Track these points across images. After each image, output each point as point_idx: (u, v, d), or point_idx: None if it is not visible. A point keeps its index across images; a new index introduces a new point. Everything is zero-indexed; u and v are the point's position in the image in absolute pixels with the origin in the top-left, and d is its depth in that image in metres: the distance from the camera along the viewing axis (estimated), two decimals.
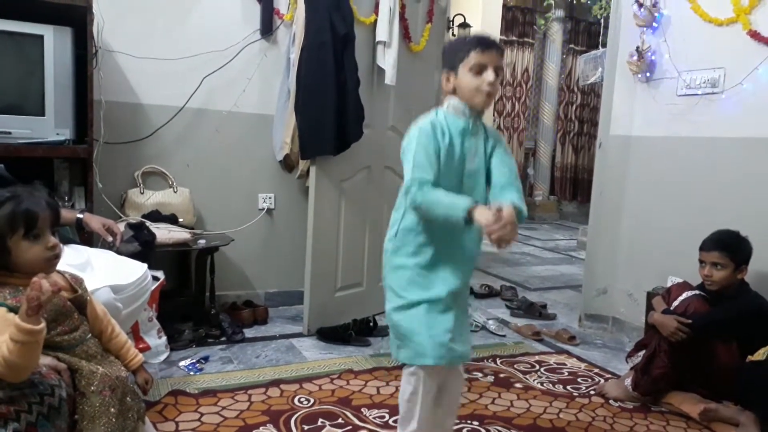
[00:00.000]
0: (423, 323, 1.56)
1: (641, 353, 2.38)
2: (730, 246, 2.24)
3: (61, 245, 1.49)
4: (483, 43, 1.55)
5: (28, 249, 1.40)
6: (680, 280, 2.60)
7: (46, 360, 1.40)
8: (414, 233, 1.60)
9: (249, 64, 3.11)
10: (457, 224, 1.46)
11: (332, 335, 2.85)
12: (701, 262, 2.30)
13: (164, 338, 2.53)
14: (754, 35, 2.56)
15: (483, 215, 1.40)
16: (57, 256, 1.45)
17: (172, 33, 2.94)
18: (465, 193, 1.56)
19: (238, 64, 3.07)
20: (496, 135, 1.68)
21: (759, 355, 2.10)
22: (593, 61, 5.91)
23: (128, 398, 1.54)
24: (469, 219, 1.42)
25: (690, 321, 2.19)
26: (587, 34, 8.50)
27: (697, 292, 2.29)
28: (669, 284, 2.58)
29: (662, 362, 2.24)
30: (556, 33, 8.16)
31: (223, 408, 2.08)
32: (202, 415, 2.02)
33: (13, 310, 1.37)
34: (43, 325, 1.29)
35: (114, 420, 1.48)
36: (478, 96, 1.56)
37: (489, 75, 1.53)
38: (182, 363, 2.45)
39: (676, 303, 2.31)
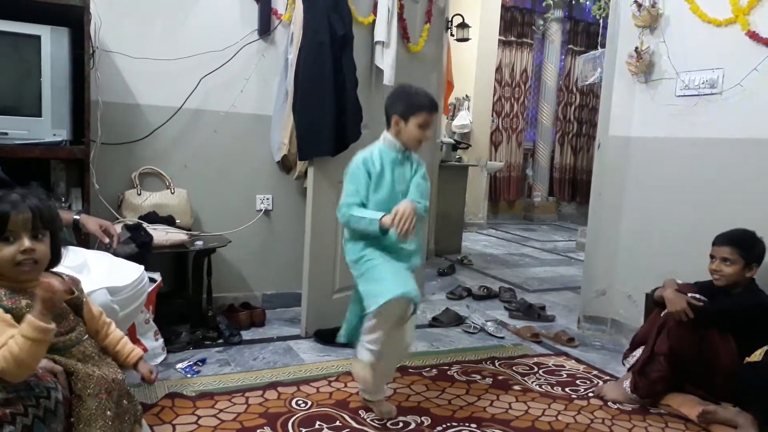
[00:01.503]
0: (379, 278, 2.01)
1: (637, 352, 2.38)
2: (742, 243, 2.25)
3: (43, 250, 1.43)
4: (433, 108, 2.05)
5: None
6: (679, 281, 2.60)
7: (42, 362, 1.39)
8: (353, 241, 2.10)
9: (247, 64, 3.10)
10: (375, 232, 1.95)
11: (330, 337, 2.83)
12: (711, 256, 2.31)
13: (161, 340, 2.52)
14: (753, 36, 2.55)
15: (387, 219, 1.90)
16: (35, 261, 1.40)
17: (169, 33, 2.93)
18: (393, 202, 1.98)
19: (235, 65, 3.06)
20: (418, 164, 2.12)
21: (756, 356, 2.10)
22: (592, 62, 5.90)
23: (124, 401, 1.54)
24: (382, 226, 1.91)
25: (701, 304, 2.20)
26: (586, 34, 8.50)
27: (698, 295, 2.29)
28: None
29: (660, 365, 2.23)
30: (555, 33, 8.15)
31: (220, 411, 2.07)
32: (199, 417, 2.01)
33: (9, 311, 1.36)
34: (54, 324, 1.30)
35: (110, 423, 1.47)
36: (415, 144, 2.07)
37: (429, 133, 2.06)
38: (179, 365, 2.44)
39: None
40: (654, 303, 2.41)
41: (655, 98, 2.97)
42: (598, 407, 2.29)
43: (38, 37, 2.30)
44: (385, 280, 1.96)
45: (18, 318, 1.35)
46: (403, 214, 1.86)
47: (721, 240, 2.30)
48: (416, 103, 2.02)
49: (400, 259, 2.05)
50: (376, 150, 2.08)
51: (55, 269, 1.54)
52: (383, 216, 1.92)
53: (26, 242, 1.39)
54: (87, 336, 1.56)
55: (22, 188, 1.50)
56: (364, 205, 2.01)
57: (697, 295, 2.28)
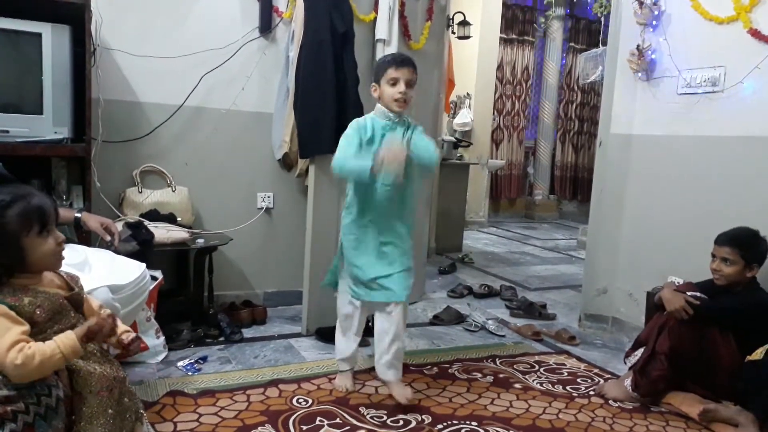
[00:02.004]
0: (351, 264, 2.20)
1: (639, 351, 2.38)
2: (743, 243, 2.25)
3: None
4: (397, 61, 2.09)
5: (42, 245, 1.42)
6: (680, 280, 2.60)
7: None
8: (351, 205, 2.20)
9: (248, 62, 3.10)
10: (366, 176, 1.97)
11: (331, 335, 2.82)
12: (713, 255, 2.31)
13: (162, 338, 2.52)
14: (755, 33, 2.55)
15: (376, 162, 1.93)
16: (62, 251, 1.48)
17: (170, 31, 2.93)
18: (367, 199, 2.15)
19: (236, 63, 3.06)
20: (414, 126, 2.17)
21: (757, 354, 2.10)
22: (593, 60, 5.90)
23: (126, 399, 1.54)
24: (372, 170, 1.95)
25: (698, 303, 2.20)
26: (587, 32, 8.48)
27: (698, 294, 2.29)
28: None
29: (661, 364, 2.23)
30: (557, 31, 8.14)
31: (222, 408, 2.07)
32: (200, 415, 2.01)
33: (11, 308, 1.36)
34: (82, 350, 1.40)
35: (111, 421, 1.47)
36: (393, 103, 2.10)
37: (400, 86, 2.07)
38: (180, 363, 2.45)
39: None
40: (655, 306, 2.41)
41: (657, 96, 2.97)
42: (599, 406, 2.29)
43: (39, 35, 2.30)
44: (349, 267, 2.19)
45: (20, 316, 1.36)
46: (390, 151, 1.91)
47: (722, 240, 2.30)
48: (382, 64, 2.12)
49: (386, 233, 2.16)
50: (368, 118, 2.17)
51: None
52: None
53: (59, 234, 1.47)
54: None
55: (21, 186, 1.53)
56: None
57: (697, 294, 2.28)
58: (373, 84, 2.15)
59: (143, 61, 2.85)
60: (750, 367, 2.09)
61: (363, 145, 2.09)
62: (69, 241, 2.10)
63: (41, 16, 2.30)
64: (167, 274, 2.74)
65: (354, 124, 2.14)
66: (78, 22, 2.38)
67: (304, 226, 2.91)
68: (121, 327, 1.60)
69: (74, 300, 1.54)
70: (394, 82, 2.07)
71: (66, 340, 1.36)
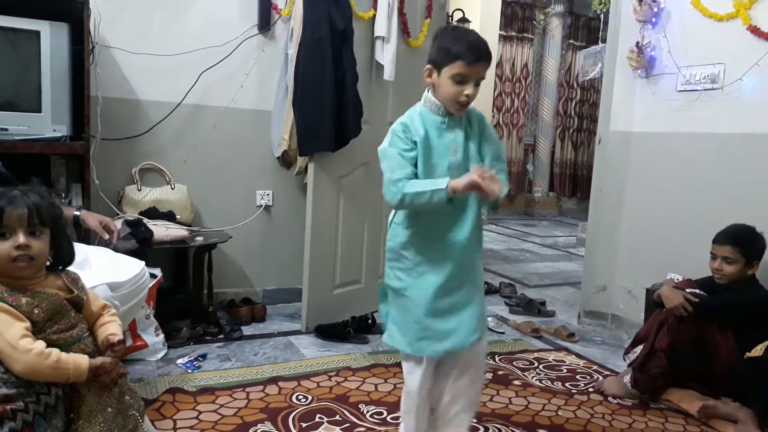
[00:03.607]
0: (408, 311, 1.62)
1: (638, 348, 2.38)
2: (743, 241, 2.25)
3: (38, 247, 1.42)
4: (473, 55, 1.51)
5: None
6: (679, 277, 2.60)
7: None
8: (402, 226, 1.66)
9: (246, 59, 3.10)
10: (441, 204, 1.49)
11: (330, 332, 2.85)
12: (712, 254, 2.31)
13: (162, 336, 2.52)
14: (754, 30, 2.55)
15: (458, 183, 1.46)
16: (30, 258, 1.40)
17: (169, 28, 2.92)
18: (437, 221, 1.61)
19: (235, 60, 3.06)
20: (480, 120, 1.67)
21: (756, 351, 2.10)
22: (593, 57, 5.89)
23: (126, 397, 1.53)
24: (451, 193, 1.47)
25: (697, 300, 2.20)
26: (587, 29, 8.48)
27: (698, 291, 2.29)
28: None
29: (660, 361, 2.23)
30: (556, 28, 8.13)
31: (221, 406, 2.07)
32: (200, 413, 2.01)
33: (11, 307, 1.37)
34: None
35: (111, 418, 1.47)
36: (453, 105, 1.57)
37: (469, 88, 1.53)
38: (180, 361, 2.45)
39: None
40: (654, 304, 2.41)
41: (656, 93, 2.96)
42: (598, 402, 2.29)
43: (37, 33, 2.29)
44: (407, 320, 1.61)
45: None
46: (485, 170, 1.44)
47: (721, 239, 2.29)
48: (452, 49, 1.52)
49: (449, 253, 1.61)
50: (416, 113, 1.63)
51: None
52: (450, 181, 1.47)
53: (21, 238, 1.38)
54: (88, 333, 1.56)
55: (25, 185, 1.50)
56: (416, 177, 1.57)
57: (696, 291, 2.28)
58: (428, 66, 1.60)
59: (142, 58, 2.85)
60: (749, 363, 2.09)
61: (419, 147, 1.58)
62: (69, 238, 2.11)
63: (40, 14, 2.30)
64: (166, 271, 2.74)
65: (399, 128, 1.60)
66: (76, 19, 2.38)
67: (304, 224, 2.91)
68: (105, 332, 1.57)
69: (74, 301, 1.53)
70: (461, 80, 1.52)
71: (80, 361, 1.38)
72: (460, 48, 1.51)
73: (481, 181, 1.41)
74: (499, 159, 1.65)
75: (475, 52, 1.51)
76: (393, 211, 1.70)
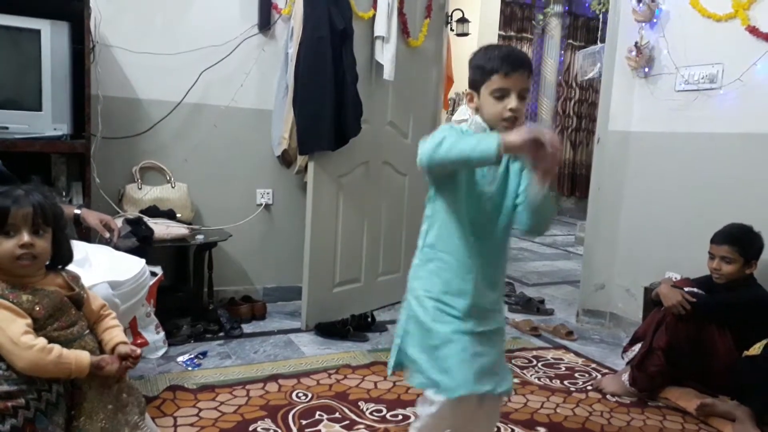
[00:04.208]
0: (449, 347, 1.40)
1: (637, 347, 2.39)
2: (740, 241, 2.25)
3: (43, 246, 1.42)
4: (509, 65, 1.38)
5: None
6: (678, 276, 2.61)
7: None
8: (437, 249, 1.48)
9: (247, 58, 3.10)
10: (486, 158, 1.24)
11: (330, 331, 2.85)
12: (711, 254, 2.31)
13: (162, 334, 2.53)
14: (753, 31, 2.56)
15: (516, 134, 1.21)
16: (33, 257, 1.40)
17: (169, 28, 2.93)
18: (484, 218, 1.44)
19: (235, 59, 3.06)
20: (523, 165, 1.48)
21: (754, 349, 2.11)
22: (592, 57, 5.90)
23: (124, 394, 1.54)
24: (504, 148, 1.22)
25: (695, 299, 2.21)
26: (586, 29, 8.48)
27: (696, 290, 2.30)
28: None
29: (658, 360, 2.24)
30: (555, 28, 8.14)
31: (222, 403, 2.08)
32: (200, 410, 2.02)
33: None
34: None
35: (112, 415, 1.48)
36: (499, 124, 1.41)
37: (511, 102, 1.38)
38: (180, 358, 2.46)
39: None
40: (652, 302, 2.42)
41: (655, 93, 2.97)
42: (596, 400, 2.30)
43: (38, 32, 2.30)
44: (450, 361, 1.39)
45: None
46: (554, 140, 1.21)
47: (719, 239, 2.30)
48: (483, 65, 1.41)
49: (482, 282, 1.45)
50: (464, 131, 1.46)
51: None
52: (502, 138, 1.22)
53: (25, 237, 1.39)
54: (88, 331, 1.57)
55: (26, 184, 1.51)
56: None
57: (695, 289, 2.29)
58: (468, 91, 1.49)
59: (142, 57, 2.85)
60: (747, 362, 2.10)
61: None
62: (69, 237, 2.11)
63: (40, 13, 2.30)
64: (167, 270, 2.75)
65: (457, 127, 1.45)
66: (77, 18, 2.38)
67: (304, 223, 2.92)
68: (112, 338, 1.57)
69: (75, 299, 1.54)
70: (501, 95, 1.39)
71: (82, 357, 1.39)
72: (494, 62, 1.40)
73: (548, 139, 1.19)
74: None
75: (510, 62, 1.39)
76: (422, 238, 1.52)
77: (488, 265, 1.47)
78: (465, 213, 1.43)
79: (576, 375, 2.54)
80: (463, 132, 1.42)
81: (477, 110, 1.47)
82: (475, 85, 1.45)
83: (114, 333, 1.57)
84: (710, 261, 2.31)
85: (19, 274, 1.42)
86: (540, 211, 1.39)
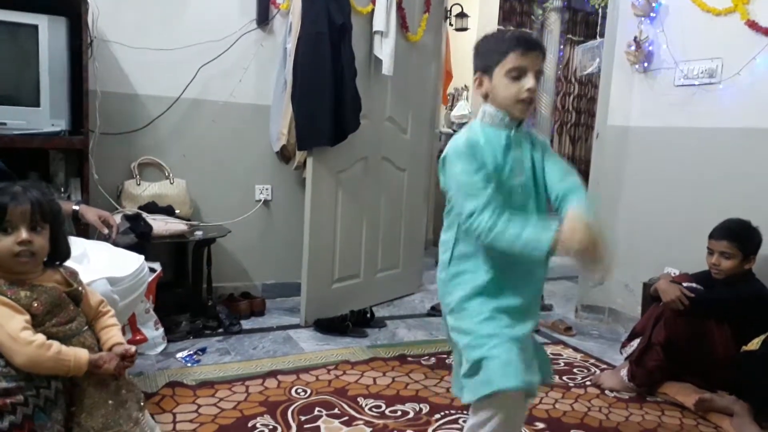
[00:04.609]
0: (499, 348, 1.35)
1: (635, 342, 2.40)
2: (739, 236, 2.25)
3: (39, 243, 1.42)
4: (525, 43, 1.35)
5: None
6: (677, 271, 2.61)
7: None
8: (472, 259, 1.41)
9: (245, 54, 3.10)
10: (540, 257, 1.29)
11: (329, 326, 2.86)
12: (709, 250, 2.31)
13: (161, 330, 2.53)
14: (752, 25, 2.55)
15: (569, 233, 1.25)
16: (31, 253, 1.41)
17: (167, 23, 2.92)
18: (515, 208, 1.37)
19: (234, 54, 3.06)
20: (542, 140, 1.50)
21: (753, 344, 2.11)
22: (591, 52, 5.87)
23: (123, 390, 1.54)
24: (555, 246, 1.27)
25: (693, 295, 2.21)
26: (585, 24, 8.46)
27: (694, 285, 2.30)
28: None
29: (657, 355, 2.25)
30: (554, 23, 8.10)
31: (221, 399, 2.08)
32: (199, 406, 2.02)
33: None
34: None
35: (112, 412, 1.48)
36: (516, 106, 1.38)
37: (528, 81, 1.35)
38: (179, 354, 2.46)
39: None
40: (651, 297, 2.42)
41: (654, 88, 2.97)
42: (595, 395, 2.31)
43: (36, 27, 2.29)
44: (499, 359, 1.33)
45: None
46: (585, 235, 1.25)
47: (718, 234, 2.29)
48: (496, 45, 1.37)
49: (522, 283, 1.44)
50: (478, 131, 1.42)
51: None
52: (558, 233, 1.26)
53: (24, 234, 1.39)
54: (87, 327, 1.57)
55: (24, 180, 1.50)
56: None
57: (693, 285, 2.29)
58: (478, 75, 1.42)
59: (140, 53, 2.85)
60: (746, 357, 2.10)
61: (489, 167, 1.37)
62: (68, 233, 2.11)
63: (38, 8, 2.29)
64: (166, 266, 2.74)
65: (464, 148, 1.37)
66: (75, 13, 2.37)
67: (302, 218, 2.92)
68: (110, 338, 1.57)
69: (73, 295, 1.54)
70: (518, 74, 1.35)
71: (81, 354, 1.38)
72: (511, 41, 1.35)
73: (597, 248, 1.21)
74: (570, 172, 1.45)
75: (525, 41, 1.36)
76: (449, 250, 1.45)
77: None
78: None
79: (574, 370, 2.54)
80: (480, 147, 1.36)
81: (486, 97, 1.42)
82: (486, 68, 1.40)
83: (111, 333, 1.57)
84: (709, 256, 2.31)
85: (17, 271, 1.42)
86: None
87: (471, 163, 1.34)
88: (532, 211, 1.43)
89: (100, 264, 1.96)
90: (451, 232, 1.45)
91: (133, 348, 1.53)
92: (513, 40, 1.35)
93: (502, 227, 1.29)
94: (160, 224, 2.65)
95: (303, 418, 1.98)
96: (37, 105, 2.33)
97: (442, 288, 1.47)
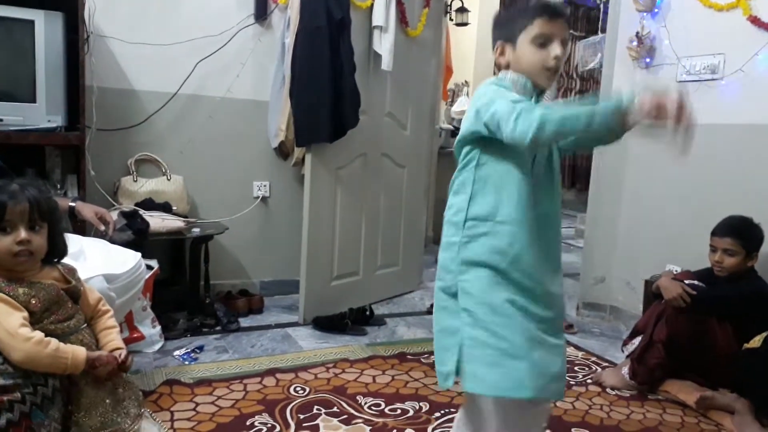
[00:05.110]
0: (519, 338, 1.26)
1: (637, 340, 2.38)
2: (743, 233, 2.24)
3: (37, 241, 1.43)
4: (551, 10, 1.29)
5: None
6: (678, 269, 2.60)
7: None
8: (491, 221, 1.28)
9: (243, 49, 3.07)
10: (610, 127, 1.12)
11: (328, 324, 2.84)
12: (712, 247, 2.29)
13: (158, 328, 2.51)
14: (755, 21, 2.53)
15: (648, 100, 1.07)
16: (30, 252, 1.41)
17: (164, 17, 2.90)
18: (534, 185, 1.29)
19: (231, 50, 3.03)
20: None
21: (754, 342, 2.10)
22: (592, 47, 5.85)
23: (120, 389, 1.53)
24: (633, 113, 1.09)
25: (695, 292, 2.20)
26: (587, 19, 8.44)
27: (696, 282, 2.28)
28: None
29: (658, 352, 2.24)
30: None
31: (219, 397, 2.07)
32: (197, 404, 2.01)
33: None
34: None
35: (110, 410, 1.47)
36: (542, 73, 1.30)
37: (555, 48, 1.27)
38: (177, 352, 2.44)
39: None
40: (653, 295, 2.41)
41: (656, 84, 2.95)
42: (596, 393, 2.29)
43: (32, 22, 2.27)
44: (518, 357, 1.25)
45: None
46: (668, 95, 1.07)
47: (722, 231, 2.27)
48: (526, 12, 1.31)
49: (546, 258, 1.40)
50: (501, 86, 1.32)
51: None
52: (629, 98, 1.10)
53: (22, 233, 1.39)
54: (85, 325, 1.56)
55: (21, 178, 1.50)
56: None
57: (695, 282, 2.27)
58: (499, 44, 1.35)
59: (137, 48, 2.82)
60: (747, 355, 2.09)
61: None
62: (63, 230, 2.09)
63: (34, 3, 2.27)
64: (163, 263, 2.73)
65: (496, 90, 1.29)
66: (71, 8, 2.35)
67: (301, 215, 2.90)
68: (110, 341, 1.57)
69: (72, 292, 1.53)
70: (545, 41, 1.28)
71: (78, 352, 1.39)
72: (536, 8, 1.29)
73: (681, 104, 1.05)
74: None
75: (552, 8, 1.30)
76: (462, 210, 1.31)
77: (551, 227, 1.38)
78: (524, 176, 1.27)
79: (576, 368, 2.53)
80: (515, 100, 1.22)
81: (507, 66, 1.35)
82: (510, 36, 1.32)
83: (110, 337, 1.58)
84: (712, 254, 2.30)
85: (15, 269, 1.41)
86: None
87: (506, 97, 1.23)
88: (551, 187, 1.35)
89: (97, 261, 1.95)
90: (464, 192, 1.32)
91: (124, 353, 1.53)
92: (539, 8, 1.29)
93: (553, 110, 1.15)
94: (157, 221, 2.63)
95: (302, 416, 1.97)
96: (33, 101, 2.31)
97: (452, 255, 1.33)
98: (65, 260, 1.64)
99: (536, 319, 1.33)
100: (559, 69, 1.32)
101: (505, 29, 1.35)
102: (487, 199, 1.29)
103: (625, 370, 2.33)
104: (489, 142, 1.27)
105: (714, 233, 2.30)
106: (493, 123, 1.22)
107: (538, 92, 1.34)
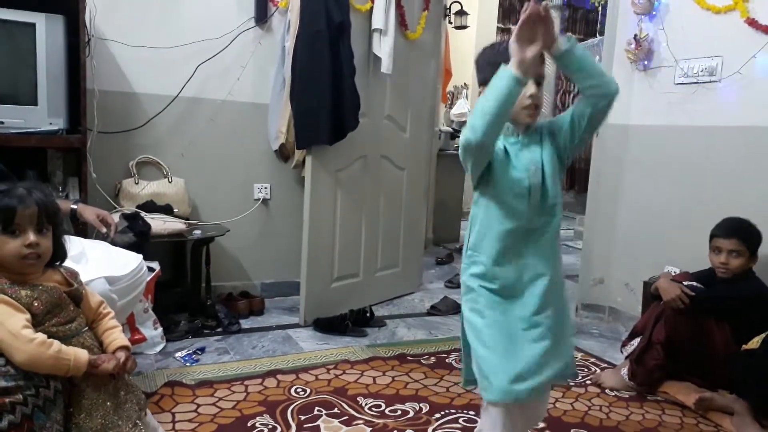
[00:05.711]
0: (496, 352, 1.40)
1: (635, 341, 2.39)
2: (745, 234, 2.24)
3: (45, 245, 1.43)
4: None
5: (4, 245, 1.39)
6: (677, 270, 2.61)
7: None
8: (480, 250, 1.47)
9: (243, 52, 3.08)
10: (514, 88, 1.26)
11: (329, 326, 2.85)
12: (717, 249, 2.28)
13: (160, 329, 2.52)
14: (752, 23, 2.54)
15: (513, 52, 1.27)
16: (38, 255, 1.41)
17: (165, 21, 2.91)
18: (533, 210, 1.43)
19: (232, 53, 3.05)
20: (547, 125, 1.47)
21: (753, 343, 2.10)
22: (591, 50, 5.87)
23: (121, 392, 1.54)
24: (518, 69, 1.26)
25: (694, 293, 2.21)
26: (585, 21, 8.46)
27: (695, 284, 2.29)
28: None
29: (657, 354, 2.24)
30: (554, 21, 8.11)
31: (220, 399, 2.08)
32: (198, 406, 2.01)
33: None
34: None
35: (111, 412, 1.47)
36: (521, 113, 1.39)
37: (530, 88, 1.36)
38: (178, 354, 2.45)
39: None
40: (651, 296, 2.42)
41: (654, 86, 2.96)
42: (595, 394, 2.30)
43: (33, 25, 2.28)
44: (492, 357, 1.41)
45: None
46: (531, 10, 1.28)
47: (726, 232, 2.26)
48: (498, 58, 1.36)
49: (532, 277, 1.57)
50: None
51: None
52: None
53: (31, 236, 1.40)
54: (86, 327, 1.56)
55: (23, 181, 1.51)
56: None
57: (694, 283, 2.28)
58: (481, 89, 1.44)
59: (138, 51, 2.83)
60: (746, 356, 2.10)
61: (498, 159, 1.41)
62: (66, 233, 2.10)
63: (35, 6, 2.28)
64: (164, 265, 2.73)
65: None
66: (72, 12, 2.36)
67: (301, 217, 2.91)
68: (113, 341, 1.56)
69: (73, 295, 1.54)
70: None
71: (80, 354, 1.38)
72: (504, 53, 1.34)
73: (539, 12, 1.26)
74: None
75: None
76: (466, 241, 1.51)
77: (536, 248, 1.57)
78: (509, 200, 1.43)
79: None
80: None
81: None
82: (486, 80, 1.40)
83: (114, 336, 1.58)
84: (716, 255, 2.28)
85: (23, 272, 1.42)
86: (582, 68, 1.35)
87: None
88: (551, 205, 1.48)
89: (99, 263, 1.95)
90: (471, 224, 1.51)
91: (123, 356, 1.52)
92: (507, 51, 1.33)
93: (478, 105, 1.31)
94: (159, 223, 2.64)
95: (302, 417, 1.98)
96: (35, 104, 2.32)
97: (462, 276, 1.54)
98: (67, 262, 1.65)
99: (516, 321, 1.47)
100: (540, 105, 1.41)
101: (481, 74, 1.46)
102: (475, 230, 1.48)
103: (624, 371, 2.34)
104: (484, 184, 1.44)
105: (716, 235, 2.29)
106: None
107: (524, 128, 1.44)
